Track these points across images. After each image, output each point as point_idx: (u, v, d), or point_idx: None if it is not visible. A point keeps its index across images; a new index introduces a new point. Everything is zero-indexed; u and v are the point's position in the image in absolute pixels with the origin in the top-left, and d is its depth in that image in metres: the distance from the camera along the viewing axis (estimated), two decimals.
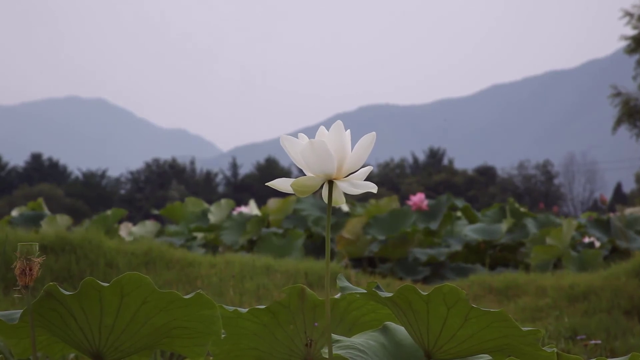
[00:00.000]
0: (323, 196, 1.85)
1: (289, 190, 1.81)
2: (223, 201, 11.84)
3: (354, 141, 1.84)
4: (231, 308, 2.07)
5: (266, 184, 1.87)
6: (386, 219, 9.96)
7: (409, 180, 51.96)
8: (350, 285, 1.88)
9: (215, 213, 11.55)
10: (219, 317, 1.87)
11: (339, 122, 1.79)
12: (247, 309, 2.11)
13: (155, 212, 14.25)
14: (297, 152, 1.80)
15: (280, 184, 1.82)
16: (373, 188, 1.77)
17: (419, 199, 10.28)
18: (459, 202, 11.39)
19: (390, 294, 1.78)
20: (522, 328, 1.71)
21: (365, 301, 2.12)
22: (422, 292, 1.73)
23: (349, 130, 1.81)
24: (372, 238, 9.61)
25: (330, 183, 1.83)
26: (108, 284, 1.79)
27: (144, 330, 1.87)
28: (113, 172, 68.54)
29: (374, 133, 1.82)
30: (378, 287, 1.83)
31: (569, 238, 9.09)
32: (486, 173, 56.08)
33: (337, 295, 2.14)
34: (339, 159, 1.79)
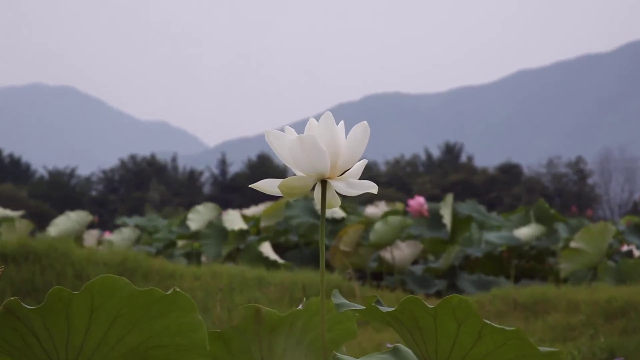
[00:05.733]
0: (315, 198, 1.83)
1: (277, 192, 1.78)
2: (210, 205, 11.73)
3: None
4: None
5: (250, 185, 1.85)
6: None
7: (422, 180, 51.95)
8: (347, 301, 1.86)
9: (195, 219, 11.30)
10: (201, 322, 1.81)
11: (328, 113, 1.77)
12: None
13: (128, 222, 14.17)
14: (284, 148, 1.78)
15: (267, 185, 1.80)
16: (373, 188, 1.75)
17: (417, 203, 9.97)
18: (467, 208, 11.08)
19: (392, 309, 1.77)
20: (541, 348, 1.71)
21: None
22: (428, 305, 1.71)
23: (342, 122, 1.79)
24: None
25: (324, 183, 1.82)
26: (77, 292, 1.78)
27: (117, 350, 1.87)
28: (83, 171, 68.61)
29: (365, 122, 1.79)
30: (378, 302, 1.81)
31: (605, 245, 8.96)
32: (510, 172, 56.09)
33: (300, 307, 2.08)
34: (332, 155, 1.77)
